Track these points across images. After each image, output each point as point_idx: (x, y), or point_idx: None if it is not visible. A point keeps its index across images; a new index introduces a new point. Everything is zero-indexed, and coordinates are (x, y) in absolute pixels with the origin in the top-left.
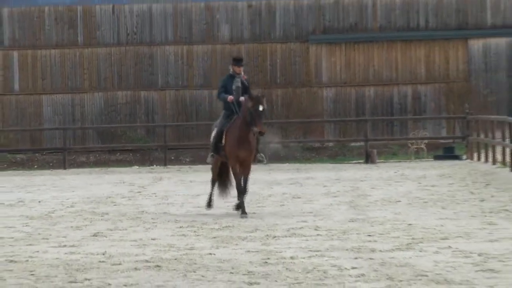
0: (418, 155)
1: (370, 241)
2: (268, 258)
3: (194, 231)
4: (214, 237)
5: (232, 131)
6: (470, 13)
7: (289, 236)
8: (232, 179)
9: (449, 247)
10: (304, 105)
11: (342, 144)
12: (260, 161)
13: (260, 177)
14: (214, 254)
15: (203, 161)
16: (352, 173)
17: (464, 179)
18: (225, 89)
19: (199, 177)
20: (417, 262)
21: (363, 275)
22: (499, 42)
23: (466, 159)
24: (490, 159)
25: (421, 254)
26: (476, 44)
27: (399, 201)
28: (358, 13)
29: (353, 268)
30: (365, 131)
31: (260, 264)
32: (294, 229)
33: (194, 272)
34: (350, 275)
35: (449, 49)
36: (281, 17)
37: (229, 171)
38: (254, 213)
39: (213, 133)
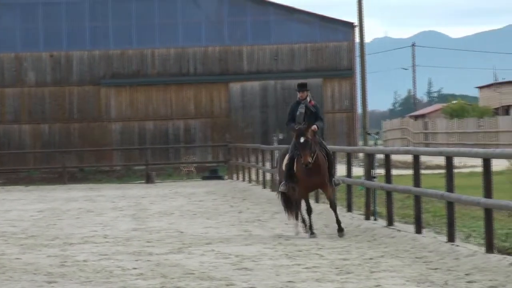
0: (189, 176)
1: (148, 246)
2: (65, 261)
3: (5, 240)
4: (21, 245)
5: (300, 159)
6: (230, 61)
7: (83, 243)
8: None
9: (212, 250)
10: (97, 136)
11: (128, 168)
12: (337, 184)
13: (60, 195)
14: (21, 259)
15: (14, 183)
16: (136, 191)
17: (226, 195)
18: (292, 115)
19: (10, 196)
20: (186, 262)
21: (142, 274)
22: (253, 85)
23: (227, 179)
24: (247, 178)
25: (190, 256)
26: (235, 87)
27: (173, 213)
28: (139, 61)
29: (134, 268)
30: (146, 157)
31: (58, 266)
32: (87, 237)
33: (4, 273)
34: (131, 274)
35: (213, 91)
36: (77, 65)
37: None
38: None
39: (283, 161)
